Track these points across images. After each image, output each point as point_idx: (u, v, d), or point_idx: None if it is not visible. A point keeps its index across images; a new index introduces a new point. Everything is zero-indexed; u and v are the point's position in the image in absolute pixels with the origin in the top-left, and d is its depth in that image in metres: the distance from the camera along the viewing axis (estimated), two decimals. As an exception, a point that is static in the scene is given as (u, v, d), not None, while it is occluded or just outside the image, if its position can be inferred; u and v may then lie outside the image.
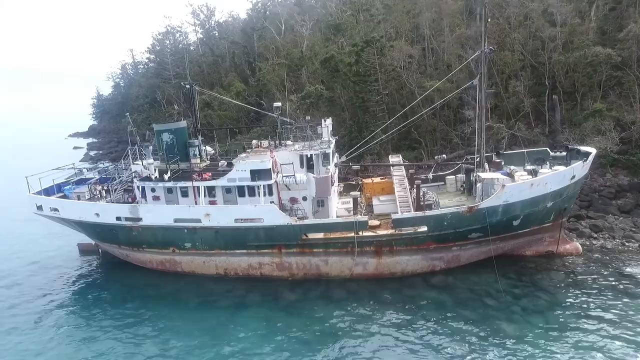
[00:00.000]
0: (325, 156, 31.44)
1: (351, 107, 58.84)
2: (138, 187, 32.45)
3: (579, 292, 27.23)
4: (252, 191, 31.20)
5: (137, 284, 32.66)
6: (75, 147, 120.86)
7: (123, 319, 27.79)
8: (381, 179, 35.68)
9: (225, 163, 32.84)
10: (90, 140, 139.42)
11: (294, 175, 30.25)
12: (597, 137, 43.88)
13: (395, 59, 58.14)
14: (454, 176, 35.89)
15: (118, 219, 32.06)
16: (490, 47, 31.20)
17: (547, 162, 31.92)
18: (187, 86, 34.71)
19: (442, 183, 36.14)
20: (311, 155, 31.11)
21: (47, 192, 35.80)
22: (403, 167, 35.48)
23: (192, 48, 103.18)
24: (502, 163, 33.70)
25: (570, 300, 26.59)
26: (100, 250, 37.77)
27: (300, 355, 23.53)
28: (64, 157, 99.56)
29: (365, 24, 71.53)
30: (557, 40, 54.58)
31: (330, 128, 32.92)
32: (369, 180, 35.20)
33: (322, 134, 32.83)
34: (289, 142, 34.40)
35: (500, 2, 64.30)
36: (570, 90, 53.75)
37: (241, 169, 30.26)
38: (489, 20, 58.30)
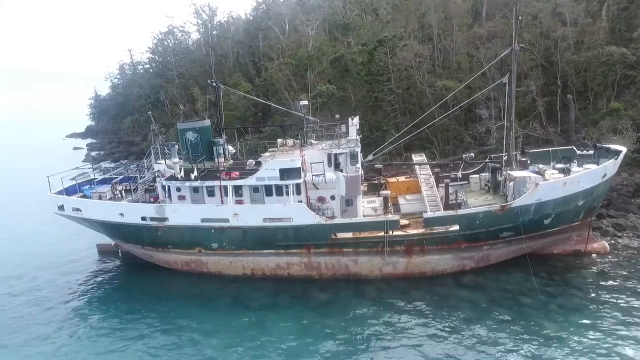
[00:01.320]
0: (354, 155, 31.16)
1: (363, 106, 58.60)
2: (166, 187, 31.93)
3: (614, 291, 27.14)
4: (279, 190, 30.84)
5: (161, 285, 32.19)
6: (75, 148, 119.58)
7: (152, 322, 27.19)
8: (406, 177, 35.47)
9: (254, 162, 32.45)
10: (89, 140, 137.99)
11: (324, 174, 29.93)
12: (615, 137, 44.04)
13: (407, 59, 58.11)
14: (477, 175, 35.73)
15: (143, 218, 31.55)
16: (522, 45, 31.01)
17: (575, 161, 31.87)
18: (214, 84, 34.22)
19: (466, 182, 35.99)
20: (340, 154, 30.80)
21: (67, 192, 35.20)
22: (428, 166, 35.27)
23: (194, 47, 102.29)
24: (528, 162, 33.58)
25: (606, 298, 26.51)
26: (120, 251, 37.25)
27: (340, 356, 23.22)
28: (64, 158, 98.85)
29: (373, 23, 71.44)
30: (568, 40, 54.70)
31: (357, 127, 32.65)
32: (394, 180, 34.97)
33: (348, 133, 32.48)
34: (313, 141, 34.08)
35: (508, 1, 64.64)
36: (581, 89, 54.00)
37: (270, 168, 29.90)
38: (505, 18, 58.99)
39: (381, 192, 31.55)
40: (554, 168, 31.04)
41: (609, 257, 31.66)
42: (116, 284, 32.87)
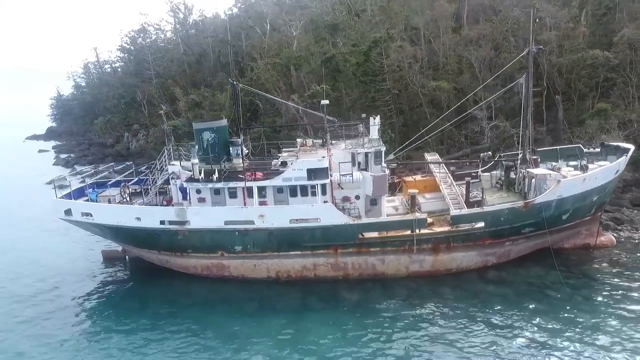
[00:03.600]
0: (378, 154, 31.23)
1: (358, 107, 58.87)
2: (187, 189, 30.81)
3: (634, 279, 28.54)
4: (304, 191, 30.45)
5: (178, 292, 30.87)
6: (40, 151, 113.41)
7: (179, 333, 25.80)
8: (422, 176, 35.91)
9: (279, 162, 31.87)
10: (54, 143, 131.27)
11: (352, 174, 29.83)
12: (604, 135, 46.43)
13: (400, 60, 58.94)
14: (488, 173, 36.63)
15: (162, 222, 30.33)
16: (540, 47, 32.10)
17: (585, 159, 33.27)
18: (234, 82, 33.31)
19: (477, 180, 36.82)
20: (365, 153, 30.77)
21: (72, 196, 33.34)
22: (443, 164, 35.84)
23: (171, 46, 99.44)
24: (539, 160, 34.73)
25: (629, 286, 27.79)
26: (127, 257, 35.67)
27: (382, 357, 23.15)
28: (33, 161, 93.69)
29: (361, 24, 71.97)
30: (552, 43, 57.11)
31: (378, 126, 32.73)
32: (411, 179, 35.30)
33: (369, 132, 32.51)
34: (332, 141, 33.86)
35: (494, 5, 66.97)
36: (565, 91, 56.57)
37: (298, 168, 29.47)
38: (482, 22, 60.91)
39: (408, 191, 31.75)
40: (567, 165, 32.27)
41: (617, 249, 33.31)
42: (130, 292, 31.20)
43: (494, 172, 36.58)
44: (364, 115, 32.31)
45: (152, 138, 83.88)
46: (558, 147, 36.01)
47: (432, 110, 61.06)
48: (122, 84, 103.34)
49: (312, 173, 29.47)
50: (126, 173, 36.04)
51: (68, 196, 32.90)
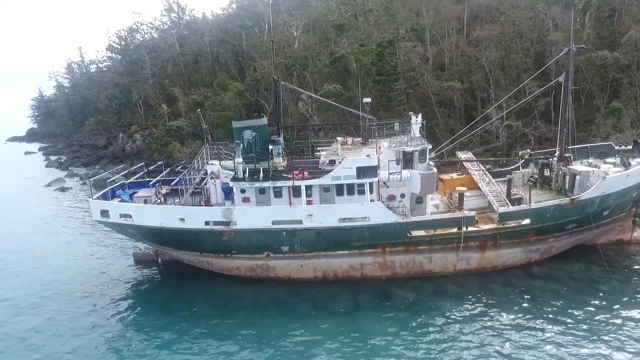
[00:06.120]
0: (423, 152, 31.15)
1: (374, 106, 58.77)
2: (228, 189, 30.03)
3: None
4: (351, 189, 30.08)
5: (223, 294, 29.94)
6: (27, 153, 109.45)
7: (237, 337, 25.09)
8: (458, 174, 36.02)
9: (327, 161, 31.38)
10: (37, 145, 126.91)
11: (401, 172, 29.66)
12: (618, 134, 47.68)
13: (411, 60, 59.32)
14: (520, 171, 37.05)
15: (207, 223, 29.49)
16: (581, 46, 32.64)
17: (618, 156, 33.98)
18: (277, 79, 32.68)
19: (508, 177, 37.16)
20: (412, 152, 30.62)
21: (104, 197, 32.11)
22: (477, 162, 36.07)
23: (166, 46, 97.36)
24: (571, 157, 35.32)
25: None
26: (160, 259, 34.56)
27: (447, 356, 23.00)
28: (22, 164, 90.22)
29: (367, 24, 72.04)
30: (558, 44, 58.38)
31: (420, 124, 32.63)
32: (448, 177, 35.36)
33: (412, 131, 32.35)
34: (371, 140, 33.59)
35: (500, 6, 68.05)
36: (574, 90, 57.77)
37: (347, 167, 29.09)
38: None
39: (457, 188, 31.75)
40: (605, 163, 32.87)
41: (649, 245, 34.17)
42: (175, 297, 29.81)
43: (526, 169, 37.07)
44: (411, 113, 31.92)
45: (149, 139, 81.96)
46: (589, 144, 36.70)
47: (443, 110, 61.89)
48: (114, 83, 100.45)
49: (362, 171, 29.14)
50: (162, 174, 34.71)
51: (102, 197, 31.60)
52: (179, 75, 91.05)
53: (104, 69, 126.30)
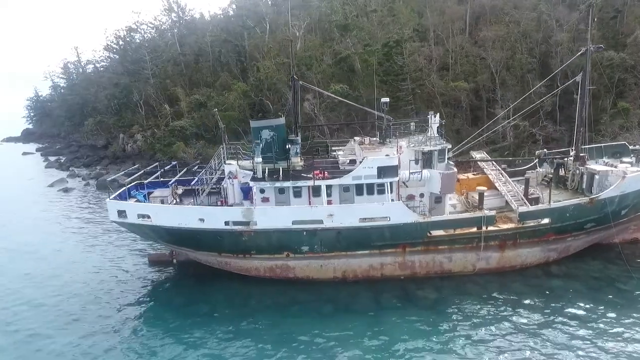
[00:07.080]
0: (442, 152, 31.12)
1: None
2: (248, 189, 29.79)
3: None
4: (371, 189, 30.00)
5: (243, 296, 29.52)
6: (24, 153, 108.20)
7: (264, 339, 24.73)
8: (474, 174, 36.06)
9: (347, 160, 31.23)
10: (33, 145, 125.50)
11: (421, 171, 29.60)
12: (626, 134, 48.04)
13: (417, 60, 59.40)
14: (534, 170, 37.19)
15: (226, 223, 29.21)
16: (600, 46, 32.78)
17: (633, 155, 34.17)
18: (295, 78, 32.42)
19: (522, 177, 37.25)
20: (430, 151, 30.57)
21: (121, 197, 31.74)
22: (492, 162, 36.12)
23: (166, 46, 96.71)
24: (586, 157, 35.46)
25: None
26: (175, 260, 34.20)
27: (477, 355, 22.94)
28: (21, 165, 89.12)
29: (372, 25, 72.04)
30: (563, 44, 58.82)
31: (439, 124, 32.58)
32: (464, 177, 35.38)
33: (430, 130, 32.30)
34: (388, 139, 33.50)
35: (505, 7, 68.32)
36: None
37: (368, 166, 28.98)
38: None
39: (477, 187, 31.72)
40: (622, 162, 33.02)
41: (663, 243, 34.39)
42: (194, 298, 29.47)
43: (540, 169, 37.19)
44: (431, 113, 31.87)
45: (150, 139, 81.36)
46: (603, 144, 36.88)
47: (448, 110, 62.00)
48: (114, 83, 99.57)
49: (382, 171, 29.05)
50: (179, 175, 34.36)
51: (119, 197, 31.23)
52: (180, 75, 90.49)
53: (101, 69, 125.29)
